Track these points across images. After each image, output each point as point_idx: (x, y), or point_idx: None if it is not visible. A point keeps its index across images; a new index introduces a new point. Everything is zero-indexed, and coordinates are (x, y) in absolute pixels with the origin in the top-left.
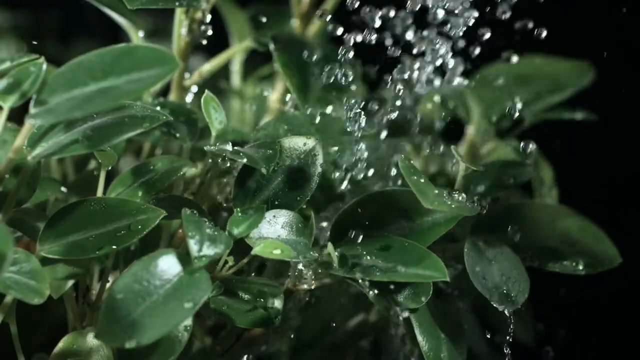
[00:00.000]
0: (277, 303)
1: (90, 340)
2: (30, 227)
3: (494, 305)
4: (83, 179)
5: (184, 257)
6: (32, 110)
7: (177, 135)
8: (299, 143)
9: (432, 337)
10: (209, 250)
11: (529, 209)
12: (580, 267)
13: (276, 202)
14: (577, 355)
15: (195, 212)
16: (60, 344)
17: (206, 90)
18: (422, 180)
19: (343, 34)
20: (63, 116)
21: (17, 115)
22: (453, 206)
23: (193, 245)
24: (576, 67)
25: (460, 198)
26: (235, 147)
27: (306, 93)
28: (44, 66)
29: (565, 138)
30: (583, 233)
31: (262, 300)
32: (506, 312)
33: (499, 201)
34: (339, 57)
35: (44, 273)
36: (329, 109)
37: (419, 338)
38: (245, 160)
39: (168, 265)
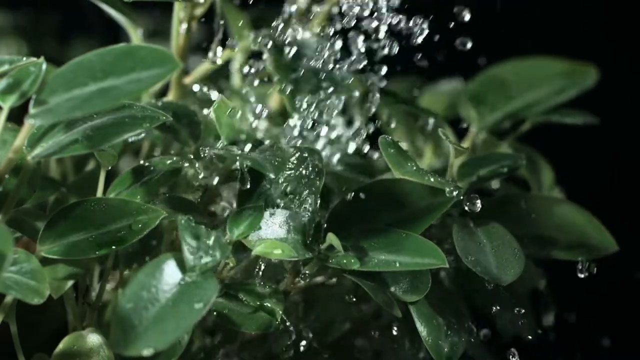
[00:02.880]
0: (278, 306)
1: (91, 340)
2: (30, 227)
3: (485, 277)
4: (83, 179)
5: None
6: (32, 110)
7: (180, 137)
8: (303, 150)
9: (431, 324)
10: (205, 259)
11: (526, 200)
12: (577, 255)
13: (280, 207)
14: (576, 351)
15: (191, 218)
16: (61, 345)
17: (220, 95)
18: (400, 153)
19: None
20: (63, 116)
21: (17, 116)
22: (426, 178)
23: (187, 255)
24: (579, 69)
25: (441, 178)
26: (244, 152)
27: (294, 95)
28: (44, 66)
29: (567, 138)
30: (580, 222)
31: (262, 302)
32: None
33: (496, 192)
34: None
35: (44, 273)
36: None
37: (418, 325)
38: (251, 164)
39: (173, 269)
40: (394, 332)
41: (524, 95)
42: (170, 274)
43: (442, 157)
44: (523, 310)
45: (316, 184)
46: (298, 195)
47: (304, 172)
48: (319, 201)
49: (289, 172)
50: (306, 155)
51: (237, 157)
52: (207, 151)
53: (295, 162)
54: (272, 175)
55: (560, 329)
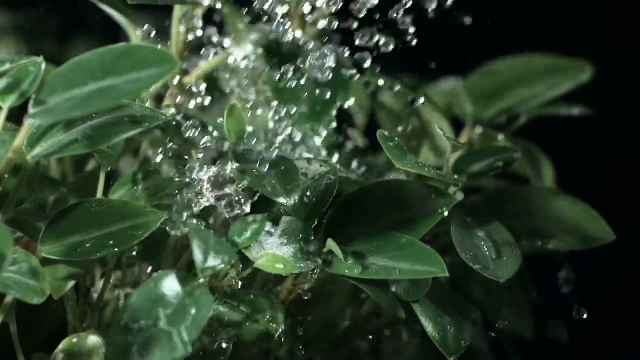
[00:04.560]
0: (279, 316)
1: (91, 341)
2: (30, 227)
3: (483, 274)
4: (83, 179)
5: (185, 276)
6: (32, 110)
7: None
8: (316, 165)
9: (435, 320)
10: (214, 262)
11: (522, 193)
12: (574, 245)
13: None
14: (576, 347)
15: (201, 222)
16: (61, 346)
17: (235, 102)
18: (399, 147)
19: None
20: (62, 116)
21: (17, 116)
22: (426, 170)
23: (198, 256)
24: (573, 65)
25: (440, 172)
26: (253, 169)
27: (282, 92)
28: (43, 66)
29: (564, 133)
30: (576, 213)
31: (263, 313)
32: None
33: (492, 186)
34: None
35: (44, 273)
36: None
37: (423, 321)
38: (265, 193)
39: (169, 286)
40: (395, 330)
41: (520, 91)
42: (167, 292)
43: (438, 154)
44: (522, 307)
45: (325, 196)
46: (304, 205)
47: (314, 185)
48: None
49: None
50: (320, 169)
51: (253, 183)
52: (216, 171)
53: (306, 175)
54: (283, 200)
55: (560, 326)
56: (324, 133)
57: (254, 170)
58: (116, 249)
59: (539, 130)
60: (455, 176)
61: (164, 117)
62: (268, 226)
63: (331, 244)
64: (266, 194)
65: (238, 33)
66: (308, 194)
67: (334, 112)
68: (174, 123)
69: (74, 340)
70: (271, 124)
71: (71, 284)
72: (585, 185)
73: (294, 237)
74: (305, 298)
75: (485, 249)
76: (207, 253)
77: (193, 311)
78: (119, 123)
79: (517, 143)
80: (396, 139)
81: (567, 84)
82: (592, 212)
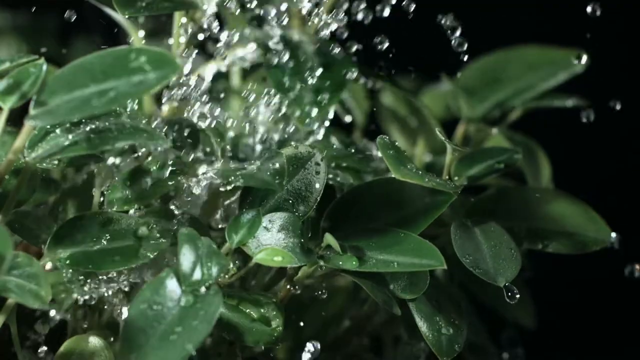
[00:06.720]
0: (278, 317)
1: (92, 343)
2: (30, 228)
3: (483, 278)
4: (83, 180)
5: None
6: (32, 111)
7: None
8: (303, 152)
9: (430, 320)
10: (201, 275)
11: (522, 193)
12: (573, 248)
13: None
14: (576, 341)
15: (193, 231)
16: (62, 348)
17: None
18: (398, 155)
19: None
20: (62, 118)
21: (18, 117)
22: (426, 180)
23: (185, 268)
24: (568, 54)
25: (439, 179)
26: (243, 167)
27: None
28: (44, 67)
29: (559, 128)
30: (576, 214)
31: (262, 313)
32: (506, 299)
33: (492, 186)
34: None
35: (46, 277)
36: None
37: (418, 321)
38: (254, 183)
39: (177, 284)
40: (393, 329)
41: (514, 83)
42: (174, 288)
43: (434, 148)
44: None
45: (316, 186)
46: (298, 197)
47: (304, 174)
48: (318, 200)
49: (289, 177)
50: (307, 157)
51: (240, 178)
52: (204, 173)
53: (295, 165)
54: (276, 188)
55: (560, 324)
56: (317, 128)
57: (244, 167)
58: (122, 265)
59: (535, 123)
60: (456, 178)
61: (162, 133)
62: (265, 222)
63: (328, 237)
64: (258, 186)
65: (239, 33)
66: (303, 188)
67: (330, 108)
68: (172, 125)
69: (76, 342)
70: (266, 121)
71: (75, 289)
72: (581, 181)
73: (292, 232)
74: (307, 296)
75: (485, 253)
76: (194, 266)
77: (201, 311)
78: (120, 129)
79: (514, 138)
80: (396, 143)
81: (562, 75)
82: (592, 212)
